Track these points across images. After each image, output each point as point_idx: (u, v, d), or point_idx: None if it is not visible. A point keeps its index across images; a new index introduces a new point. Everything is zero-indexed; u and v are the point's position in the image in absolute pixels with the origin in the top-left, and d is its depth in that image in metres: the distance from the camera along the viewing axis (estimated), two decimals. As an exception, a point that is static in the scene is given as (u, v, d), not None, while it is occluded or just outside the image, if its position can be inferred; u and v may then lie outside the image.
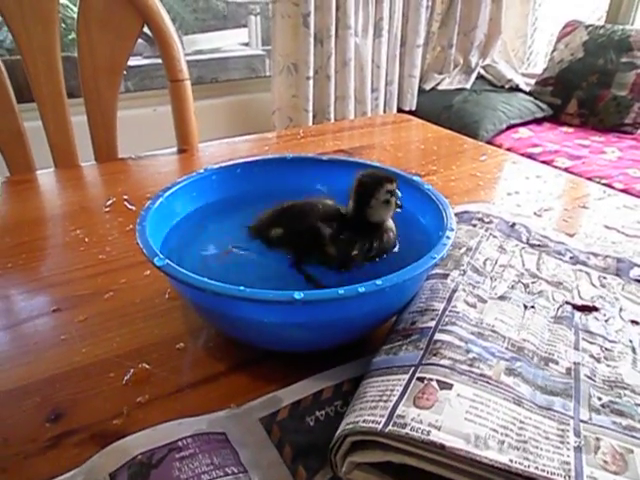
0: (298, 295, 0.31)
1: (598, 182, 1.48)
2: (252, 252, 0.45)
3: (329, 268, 0.43)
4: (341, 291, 0.32)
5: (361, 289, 0.32)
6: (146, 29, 0.88)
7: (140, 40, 1.91)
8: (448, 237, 0.39)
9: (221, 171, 0.52)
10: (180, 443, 0.31)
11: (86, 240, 0.58)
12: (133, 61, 2.02)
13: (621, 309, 0.42)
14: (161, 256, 0.36)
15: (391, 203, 0.44)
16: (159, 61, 0.89)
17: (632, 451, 0.27)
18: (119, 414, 0.35)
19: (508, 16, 2.45)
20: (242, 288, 0.32)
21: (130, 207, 0.65)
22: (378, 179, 0.44)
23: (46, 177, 0.78)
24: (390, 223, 0.46)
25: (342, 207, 0.46)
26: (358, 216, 0.44)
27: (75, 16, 0.84)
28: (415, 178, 0.49)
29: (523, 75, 2.49)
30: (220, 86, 2.15)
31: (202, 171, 0.51)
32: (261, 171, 0.53)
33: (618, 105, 2.08)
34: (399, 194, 0.45)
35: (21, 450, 0.33)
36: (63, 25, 1.86)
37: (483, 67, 2.46)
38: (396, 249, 0.46)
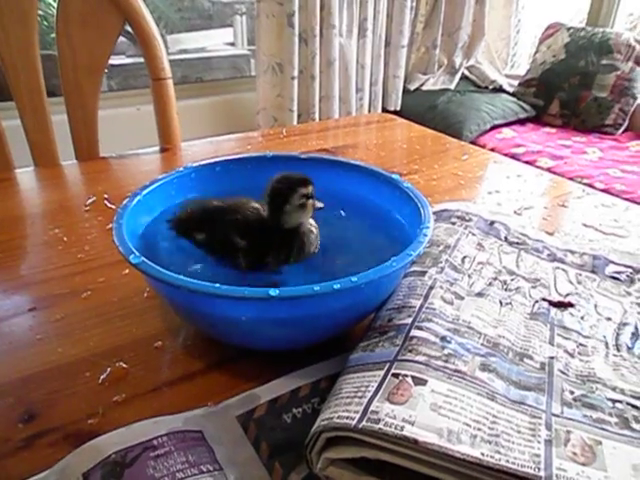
0: (273, 292, 0.31)
1: (580, 182, 1.50)
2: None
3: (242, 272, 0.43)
4: (316, 287, 0.32)
5: (336, 286, 0.32)
6: (129, 28, 0.87)
7: (123, 39, 1.89)
8: (425, 234, 0.39)
9: (200, 169, 0.51)
10: (155, 441, 0.31)
11: (65, 239, 0.57)
12: (117, 60, 2.00)
13: (596, 305, 0.43)
14: (137, 253, 0.35)
15: (307, 206, 0.43)
16: (142, 60, 0.88)
17: (601, 443, 0.27)
18: (94, 414, 0.35)
19: (491, 18, 2.48)
20: (217, 285, 0.32)
21: (110, 206, 0.64)
22: (290, 184, 0.43)
23: (25, 176, 0.77)
24: (308, 225, 0.44)
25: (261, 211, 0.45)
26: (274, 223, 0.43)
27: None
28: (394, 176, 0.50)
29: (506, 76, 2.51)
30: (205, 86, 2.15)
31: (181, 169, 0.50)
32: (241, 169, 0.53)
33: (599, 106, 2.11)
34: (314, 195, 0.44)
35: (-7, 451, 0.32)
36: (45, 23, 1.84)
37: (467, 68, 2.49)
38: (315, 249, 0.45)
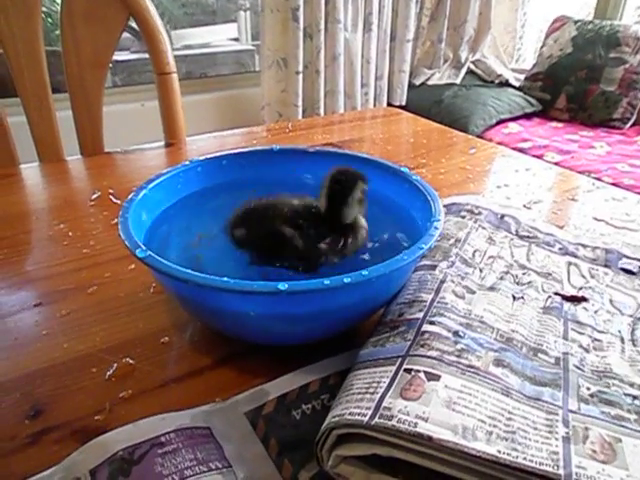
0: (282, 286, 0.31)
1: (588, 176, 1.48)
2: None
3: (296, 271, 0.41)
4: (326, 282, 0.31)
5: (347, 279, 0.31)
6: (134, 24, 0.86)
7: (128, 35, 1.88)
8: (436, 228, 0.38)
9: (206, 163, 0.51)
10: (163, 438, 0.30)
11: (70, 234, 0.57)
12: (121, 56, 2.00)
13: (611, 300, 0.42)
14: (143, 247, 0.35)
15: (363, 202, 0.43)
16: (147, 56, 0.88)
17: (620, 440, 0.26)
18: (101, 410, 0.35)
19: (497, 11, 2.46)
20: (226, 279, 0.31)
21: (115, 201, 0.64)
22: (353, 177, 0.42)
23: (30, 171, 0.76)
24: (362, 221, 0.44)
25: (314, 201, 0.44)
26: (331, 215, 0.43)
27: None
28: (403, 169, 0.49)
29: (513, 70, 2.49)
30: (209, 81, 2.14)
31: (187, 163, 0.50)
32: (247, 163, 0.52)
33: (607, 100, 2.09)
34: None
35: (-1, 447, 0.32)
36: (49, 20, 1.83)
37: (473, 62, 2.47)
38: (369, 245, 0.44)
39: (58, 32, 0.85)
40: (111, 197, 0.65)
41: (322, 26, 1.91)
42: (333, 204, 0.42)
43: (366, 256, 0.44)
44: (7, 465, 0.31)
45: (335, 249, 0.42)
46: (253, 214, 0.43)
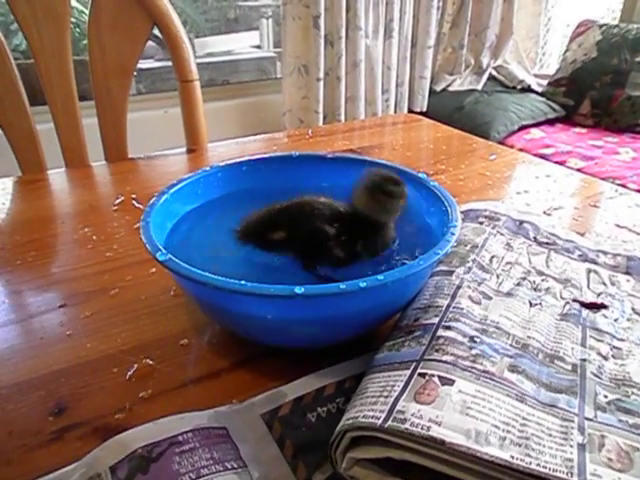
0: (299, 289, 0.31)
1: (612, 183, 1.46)
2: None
3: (335, 267, 0.42)
4: (342, 286, 0.32)
5: (363, 284, 0.32)
6: (158, 32, 0.88)
7: (152, 43, 1.92)
8: (452, 233, 0.38)
9: (227, 168, 0.52)
10: (180, 437, 0.31)
11: (94, 238, 0.58)
12: (145, 64, 2.04)
13: (633, 308, 0.41)
14: (164, 251, 0.36)
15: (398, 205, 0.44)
16: (170, 64, 0.90)
17: (638, 449, 0.26)
18: (122, 409, 0.35)
19: (520, 16, 2.43)
20: (243, 282, 0.32)
21: (138, 206, 0.65)
22: (390, 179, 0.43)
23: (57, 176, 0.79)
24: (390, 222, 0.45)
25: (339, 204, 0.45)
26: (361, 214, 0.44)
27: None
28: (420, 175, 0.49)
29: (535, 76, 2.47)
30: (231, 88, 2.17)
31: (208, 168, 0.51)
32: (267, 169, 0.53)
33: (632, 105, 2.05)
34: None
35: (25, 443, 0.33)
36: (77, 30, 1.88)
37: (495, 68, 2.45)
38: (396, 244, 0.45)
39: (85, 42, 0.87)
40: (134, 202, 0.66)
41: (343, 33, 1.92)
42: (367, 204, 0.43)
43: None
44: (31, 460, 0.32)
45: (368, 250, 0.43)
46: (287, 216, 0.44)
